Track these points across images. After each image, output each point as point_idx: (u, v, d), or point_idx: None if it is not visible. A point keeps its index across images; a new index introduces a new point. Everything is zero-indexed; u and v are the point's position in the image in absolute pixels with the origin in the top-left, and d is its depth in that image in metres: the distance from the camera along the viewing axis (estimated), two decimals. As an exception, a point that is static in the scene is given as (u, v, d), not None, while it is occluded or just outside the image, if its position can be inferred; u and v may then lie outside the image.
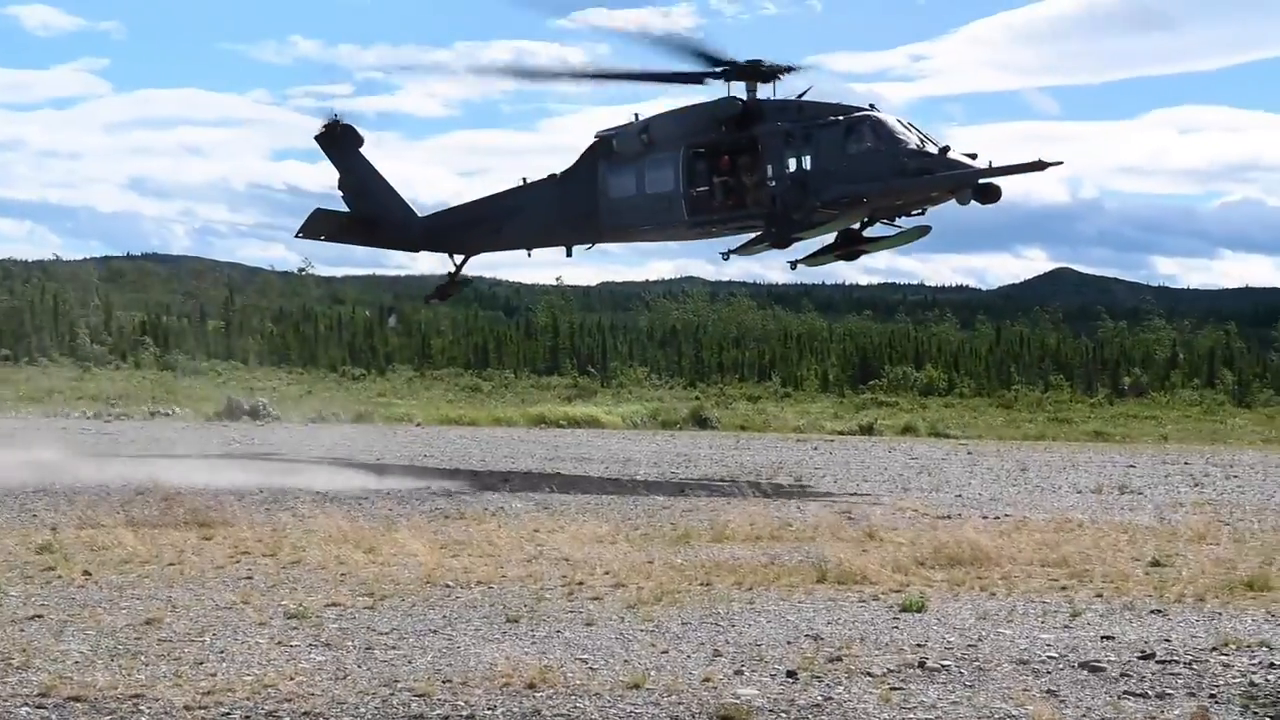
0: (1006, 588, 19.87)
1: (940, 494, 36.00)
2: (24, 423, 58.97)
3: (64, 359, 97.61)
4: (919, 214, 41.58)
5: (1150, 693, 13.78)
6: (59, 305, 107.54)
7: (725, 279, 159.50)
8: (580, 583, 19.73)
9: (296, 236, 47.96)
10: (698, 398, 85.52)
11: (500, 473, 40.13)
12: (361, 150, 48.17)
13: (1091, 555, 23.09)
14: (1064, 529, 26.86)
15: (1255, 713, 13.18)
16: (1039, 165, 39.45)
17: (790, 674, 14.33)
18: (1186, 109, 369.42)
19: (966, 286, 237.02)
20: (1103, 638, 16.28)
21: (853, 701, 13.39)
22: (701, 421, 69.78)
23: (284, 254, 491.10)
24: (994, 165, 39.37)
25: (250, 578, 19.86)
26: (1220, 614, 17.94)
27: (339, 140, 47.97)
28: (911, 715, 13.05)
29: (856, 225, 41.96)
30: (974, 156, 39.60)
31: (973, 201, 38.79)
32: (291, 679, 13.82)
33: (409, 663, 14.67)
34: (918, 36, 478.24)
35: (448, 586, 19.34)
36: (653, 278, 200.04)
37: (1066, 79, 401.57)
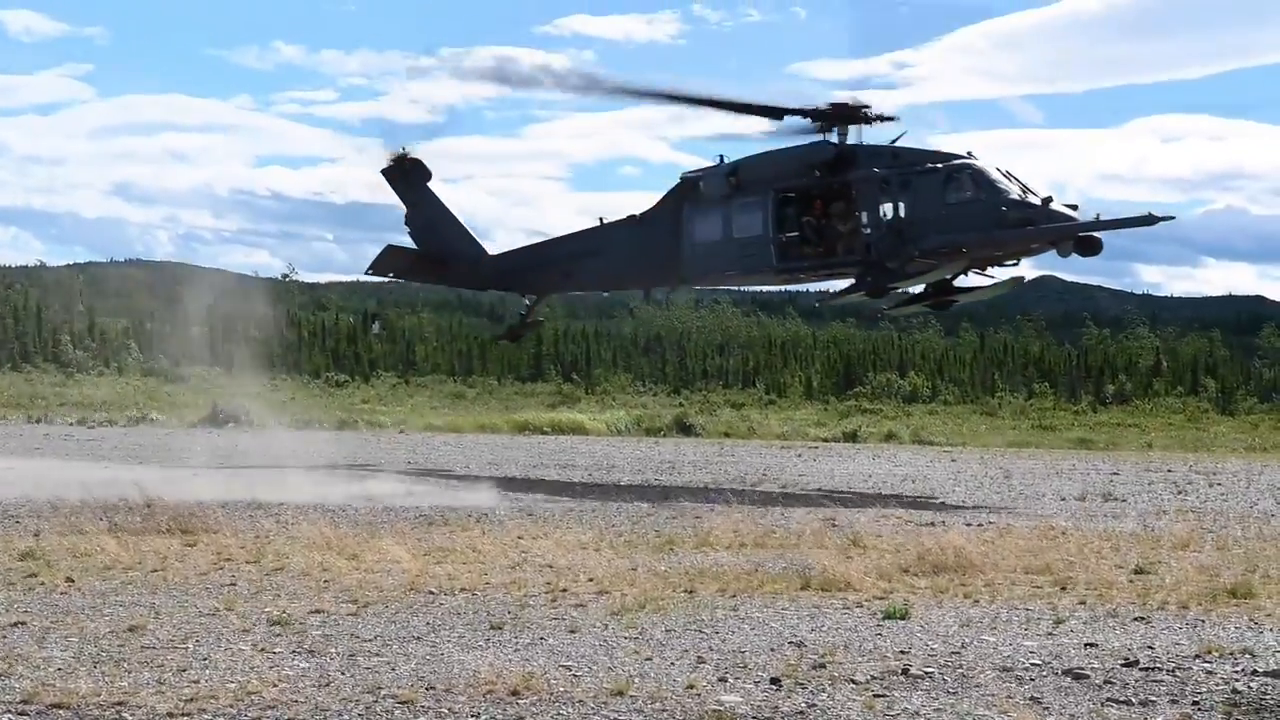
0: (990, 595, 19.88)
1: (924, 501, 36.03)
2: (5, 428, 58.89)
3: (47, 365, 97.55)
4: (1013, 263, 41.08)
5: (1133, 700, 13.80)
6: (42, 311, 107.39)
7: (710, 288, 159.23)
8: (564, 589, 19.72)
9: (366, 273, 47.59)
10: (682, 405, 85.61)
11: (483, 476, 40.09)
12: (430, 185, 47.37)
13: (1075, 562, 23.12)
14: (1048, 536, 26.87)
15: (1238, 720, 13.22)
16: (1149, 220, 39.12)
17: (774, 681, 14.33)
18: (1169, 117, 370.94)
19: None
20: (1086, 645, 16.29)
21: (836, 708, 13.39)
22: (685, 428, 69.77)
23: (268, 260, 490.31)
24: (1100, 219, 39.04)
25: (233, 584, 19.83)
26: (1203, 621, 17.97)
27: (408, 175, 47.08)
28: (895, 722, 13.07)
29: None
30: (1074, 207, 39.21)
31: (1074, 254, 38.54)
32: (275, 686, 13.80)
33: (392, 670, 14.65)
34: (901, 44, 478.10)
35: (431, 593, 19.32)
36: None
37: (1049, 87, 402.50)
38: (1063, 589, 20.48)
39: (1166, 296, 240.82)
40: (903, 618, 17.84)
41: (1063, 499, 37.42)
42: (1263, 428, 79.56)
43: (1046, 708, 13.52)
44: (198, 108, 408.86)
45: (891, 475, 45.05)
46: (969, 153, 40.48)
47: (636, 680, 14.27)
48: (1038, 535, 26.92)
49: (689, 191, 42.91)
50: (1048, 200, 38.83)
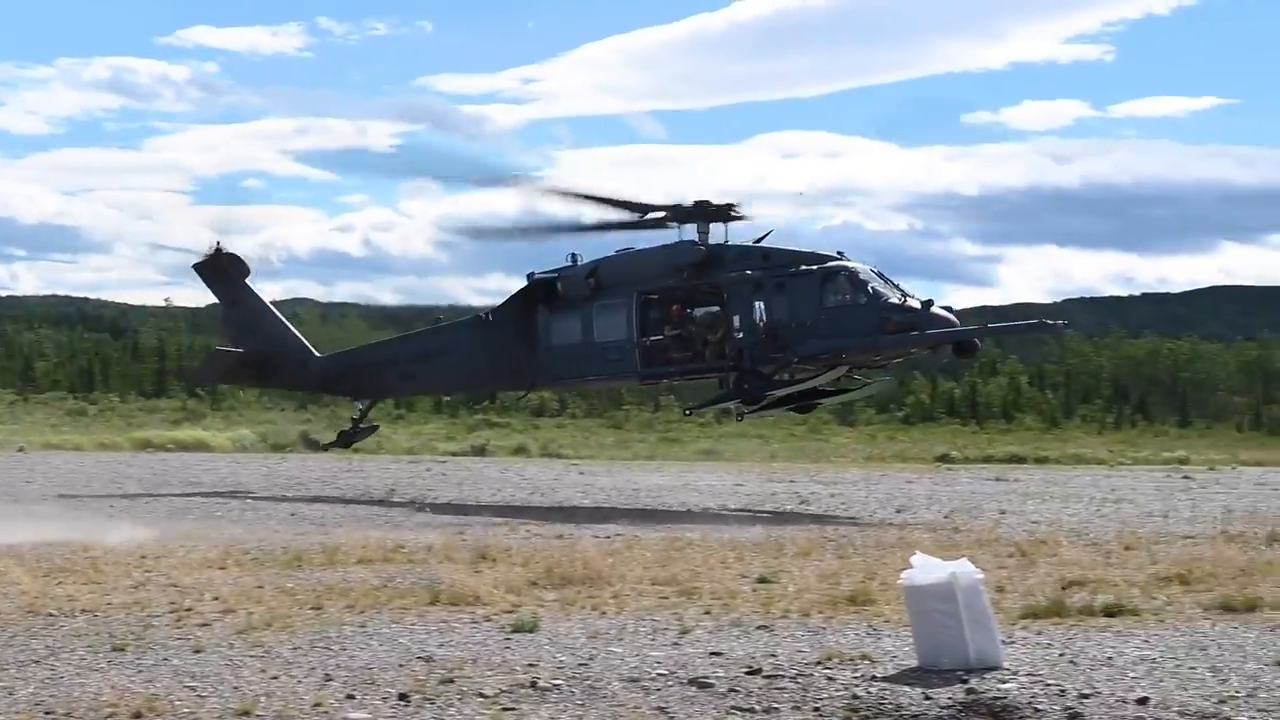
0: (618, 606, 20.04)
1: (553, 514, 36.21)
2: None
3: None
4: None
5: (757, 707, 14.03)
6: None
7: (336, 300, 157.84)
8: (189, 609, 19.35)
9: (192, 382, 45.35)
10: (308, 420, 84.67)
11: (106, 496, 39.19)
12: (249, 281, 45.28)
13: (701, 572, 23.44)
14: (674, 547, 27.22)
15: (857, 724, 13.54)
16: (1043, 326, 39.37)
17: (402, 696, 14.26)
18: (788, 134, 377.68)
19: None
20: (711, 654, 16.51)
21: (465, 723, 13.39)
22: (312, 444, 69.09)
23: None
24: (988, 325, 38.99)
25: None
26: (824, 628, 18.34)
27: (224, 271, 44.93)
28: (524, 735, 13.10)
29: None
30: (949, 309, 38.98)
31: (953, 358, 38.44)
32: (-117, 715, 13.31)
33: (10, 694, 14.21)
34: (528, 59, 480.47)
35: (51, 615, 18.79)
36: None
37: (673, 104, 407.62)
38: (688, 599, 20.74)
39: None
40: (531, 630, 17.88)
41: (690, 510, 37.98)
42: (880, 438, 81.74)
43: (672, 717, 13.68)
44: None
45: (520, 488, 45.20)
46: (840, 253, 39.99)
47: (263, 699, 14.08)
48: (665, 546, 27.25)
49: (543, 291, 41.55)
50: (928, 304, 38.58)
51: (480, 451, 67.29)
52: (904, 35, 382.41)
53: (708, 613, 19.52)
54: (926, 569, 16.03)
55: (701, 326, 40.44)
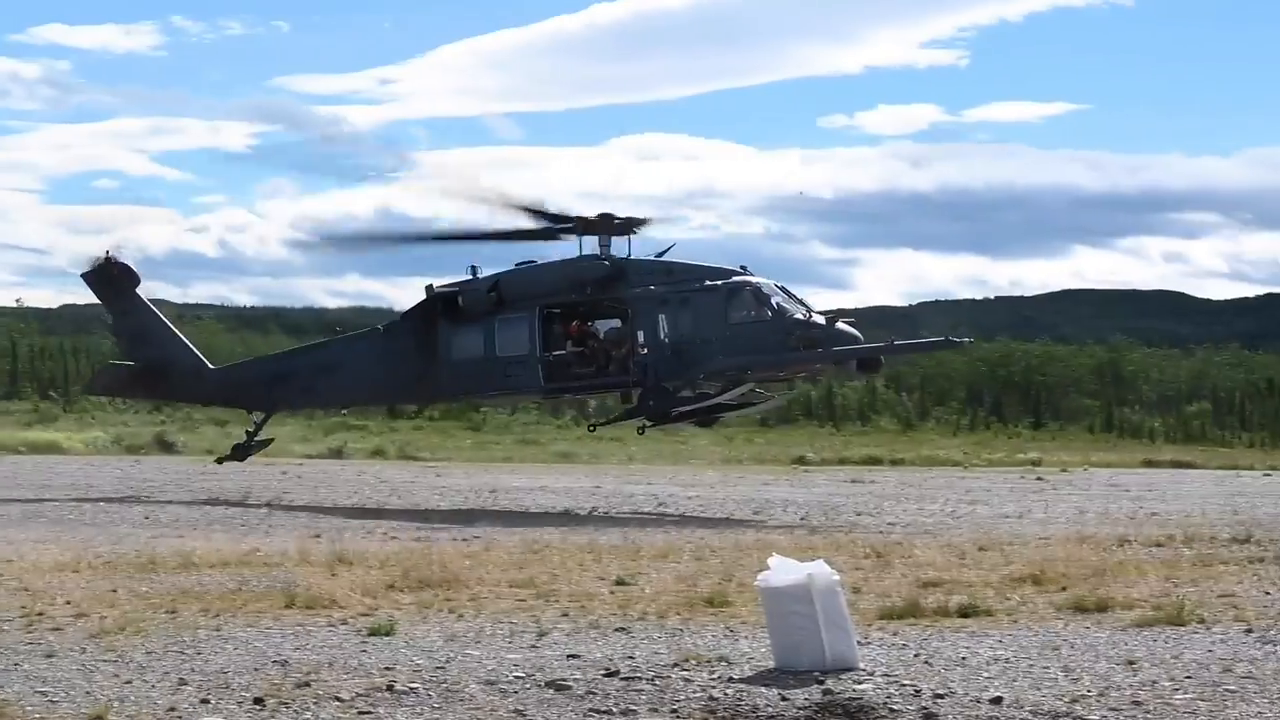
0: (476, 609, 20.00)
1: (411, 516, 36.08)
2: None
3: None
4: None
5: (614, 710, 14.05)
6: None
7: (191, 301, 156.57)
8: (40, 613, 19.09)
9: (83, 393, 44.24)
10: (163, 422, 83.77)
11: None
12: (139, 291, 44.19)
13: (559, 575, 23.45)
14: (532, 549, 27.20)
15: (714, 725, 13.59)
16: (947, 343, 39.28)
17: (257, 701, 14.15)
18: (647, 136, 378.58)
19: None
20: (569, 656, 16.52)
21: (321, 727, 13.32)
22: (167, 446, 68.45)
23: None
24: (894, 342, 38.92)
25: None
26: (682, 630, 18.39)
27: (114, 281, 43.77)
28: (381, 739, 13.05)
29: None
30: (852, 322, 38.78)
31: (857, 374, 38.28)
32: None
33: None
34: (385, 60, 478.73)
35: (-103, 621, 18.50)
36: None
37: (532, 105, 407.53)
38: (546, 601, 20.73)
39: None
40: (388, 634, 17.80)
41: (548, 513, 37.99)
42: (737, 440, 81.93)
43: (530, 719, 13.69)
44: None
45: (377, 491, 45.00)
46: (743, 267, 39.89)
47: (116, 704, 13.92)
48: (523, 548, 27.24)
49: (444, 305, 40.90)
50: (833, 319, 38.49)
51: (337, 454, 66.85)
52: (761, 39, 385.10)
53: (565, 615, 19.52)
54: (783, 571, 16.10)
55: (606, 341, 40.32)
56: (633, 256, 40.70)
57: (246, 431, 45.38)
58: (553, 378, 40.37)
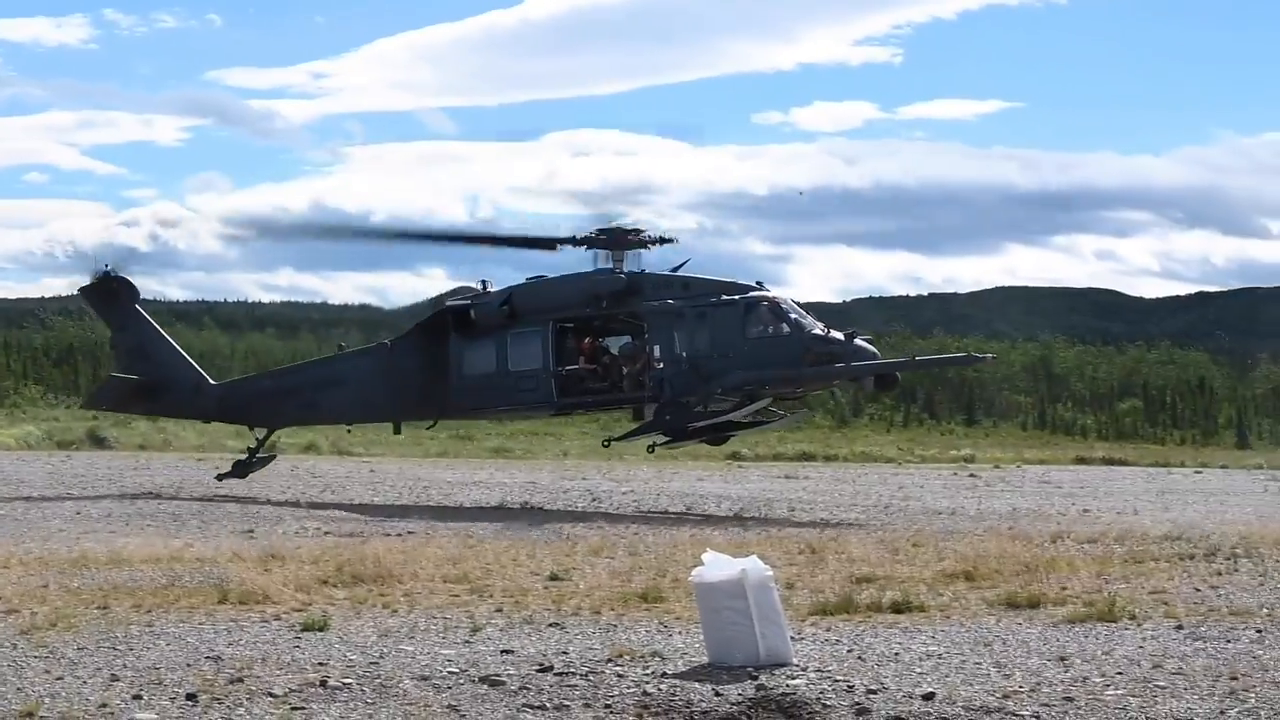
0: (409, 604, 19.98)
1: (345, 512, 36.00)
2: None
3: None
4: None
5: (548, 705, 14.06)
6: None
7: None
8: (-31, 609, 18.99)
9: (85, 406, 43.51)
10: (95, 417, 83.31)
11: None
12: (139, 305, 43.59)
13: (493, 570, 23.46)
14: (467, 544, 27.19)
15: (648, 720, 13.61)
16: (968, 359, 39.05)
17: (190, 696, 14.10)
18: (580, 132, 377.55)
19: (369, 305, 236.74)
20: (503, 652, 16.52)
21: (254, 723, 13.28)
22: (99, 441, 68.08)
23: None
24: (915, 358, 38.71)
25: None
26: (616, 625, 18.42)
27: (115, 295, 43.12)
28: (314, 734, 13.02)
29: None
30: (871, 341, 38.56)
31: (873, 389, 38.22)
32: None
33: None
34: (319, 54, 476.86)
35: None
36: (48, 295, 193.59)
37: (466, 100, 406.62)
38: (480, 597, 20.74)
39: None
40: (321, 629, 17.76)
41: (482, 508, 37.95)
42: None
43: (464, 715, 13.67)
44: None
45: (311, 486, 44.87)
46: (759, 283, 39.49)
47: (47, 700, 13.85)
48: (457, 543, 27.21)
49: (456, 319, 40.17)
50: (851, 335, 38.16)
51: (270, 449, 66.53)
52: (696, 35, 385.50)
53: (499, 610, 19.52)
54: (717, 566, 16.14)
55: (620, 356, 40.01)
56: (647, 270, 40.25)
57: (248, 448, 44.95)
58: (566, 393, 39.79)
